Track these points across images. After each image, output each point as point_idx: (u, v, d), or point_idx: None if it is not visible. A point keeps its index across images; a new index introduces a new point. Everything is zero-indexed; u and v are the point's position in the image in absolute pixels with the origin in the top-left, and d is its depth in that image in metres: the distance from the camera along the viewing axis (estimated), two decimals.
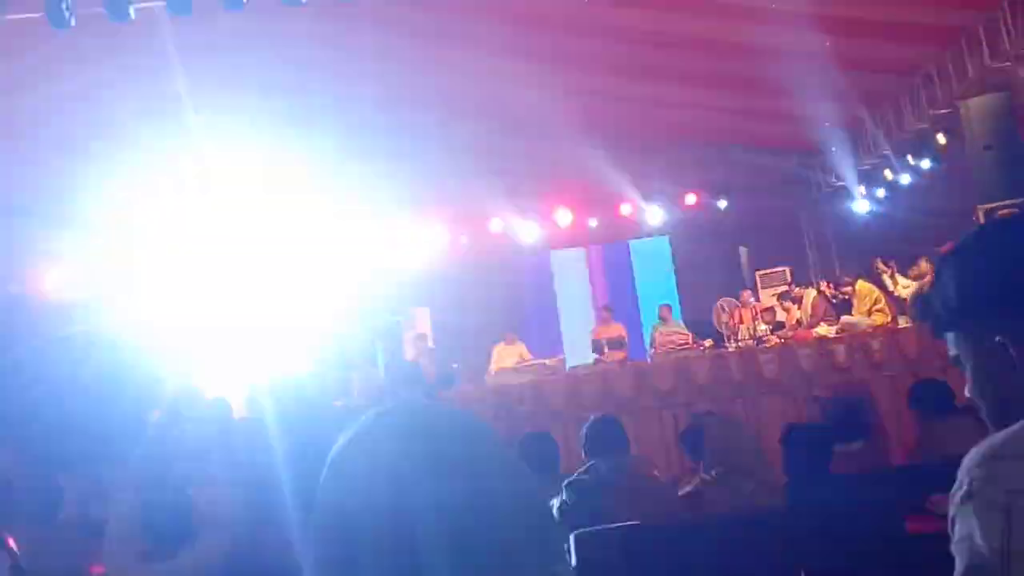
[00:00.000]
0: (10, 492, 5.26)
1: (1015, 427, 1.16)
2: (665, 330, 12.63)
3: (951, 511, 1.17)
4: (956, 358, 1.30)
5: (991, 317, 1.23)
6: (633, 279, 17.53)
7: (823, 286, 13.40)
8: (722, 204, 14.73)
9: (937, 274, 1.33)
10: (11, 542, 1.64)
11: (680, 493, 4.70)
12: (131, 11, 8.21)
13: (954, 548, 1.16)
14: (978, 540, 1.12)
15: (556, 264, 17.42)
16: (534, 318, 17.16)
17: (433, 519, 0.98)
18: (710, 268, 15.01)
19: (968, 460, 1.17)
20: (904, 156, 12.48)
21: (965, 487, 1.15)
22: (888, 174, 13.17)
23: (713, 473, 4.27)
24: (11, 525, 4.62)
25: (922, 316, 1.37)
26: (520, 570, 1.00)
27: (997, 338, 1.22)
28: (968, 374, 1.29)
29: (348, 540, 1.00)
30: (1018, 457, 1.12)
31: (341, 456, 1.07)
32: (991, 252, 1.28)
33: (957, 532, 1.15)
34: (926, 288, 1.35)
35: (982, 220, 9.81)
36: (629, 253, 17.57)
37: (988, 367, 1.25)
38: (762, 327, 12.43)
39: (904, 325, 10.97)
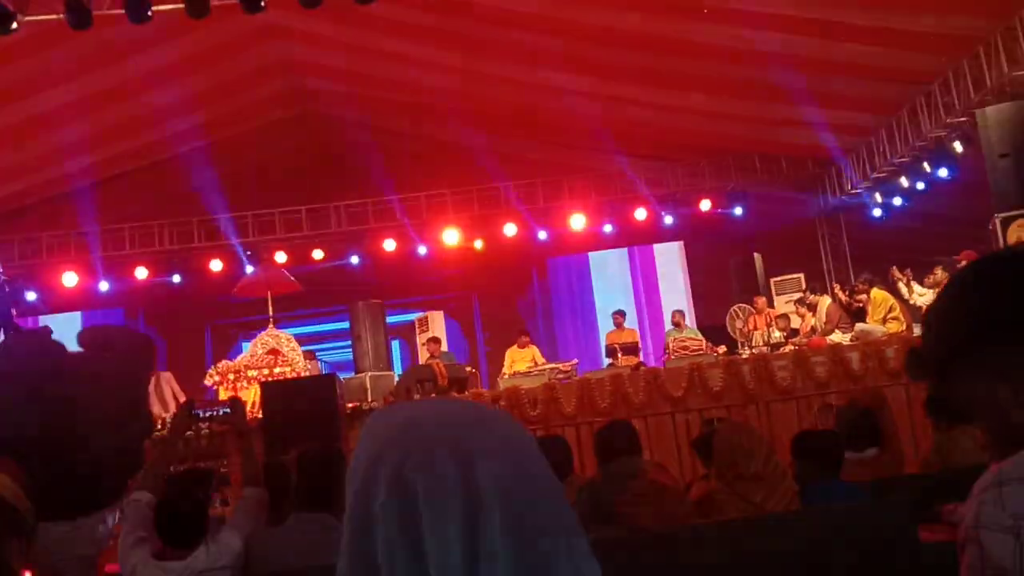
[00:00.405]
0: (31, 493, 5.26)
1: (1020, 454, 1.18)
2: (679, 336, 12.61)
3: (961, 536, 1.19)
4: (962, 407, 1.30)
5: (986, 354, 1.24)
6: (657, 284, 17.52)
7: (838, 291, 13.35)
8: (737, 210, 14.70)
9: (928, 323, 1.34)
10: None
11: (691, 497, 4.69)
12: None
13: (965, 574, 1.18)
14: (989, 564, 1.14)
15: (555, 269, 17.41)
16: (546, 322, 17.17)
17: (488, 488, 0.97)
18: (725, 274, 14.98)
19: (977, 486, 1.19)
20: (920, 164, 12.43)
21: (974, 512, 1.17)
22: (904, 182, 13.13)
23: (724, 479, 4.26)
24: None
25: (916, 372, 1.39)
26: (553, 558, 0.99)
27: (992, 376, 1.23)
28: (977, 418, 1.30)
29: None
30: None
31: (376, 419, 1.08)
32: (985, 281, 1.29)
33: (968, 558, 1.17)
34: (918, 344, 1.36)
35: (999, 228, 9.78)
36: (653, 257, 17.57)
37: (991, 405, 1.25)
38: (776, 334, 12.39)
39: (919, 333, 10.90)
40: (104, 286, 14.78)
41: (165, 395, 12.95)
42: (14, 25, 8.82)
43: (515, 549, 0.96)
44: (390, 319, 14.16)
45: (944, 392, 1.29)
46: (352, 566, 1.01)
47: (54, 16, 9.04)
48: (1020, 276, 1.26)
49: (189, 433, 9.96)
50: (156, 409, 12.49)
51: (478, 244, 15.24)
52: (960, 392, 1.29)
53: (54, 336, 1.80)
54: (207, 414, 4.91)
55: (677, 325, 13.21)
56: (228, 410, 4.70)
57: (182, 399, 13.00)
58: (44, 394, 1.71)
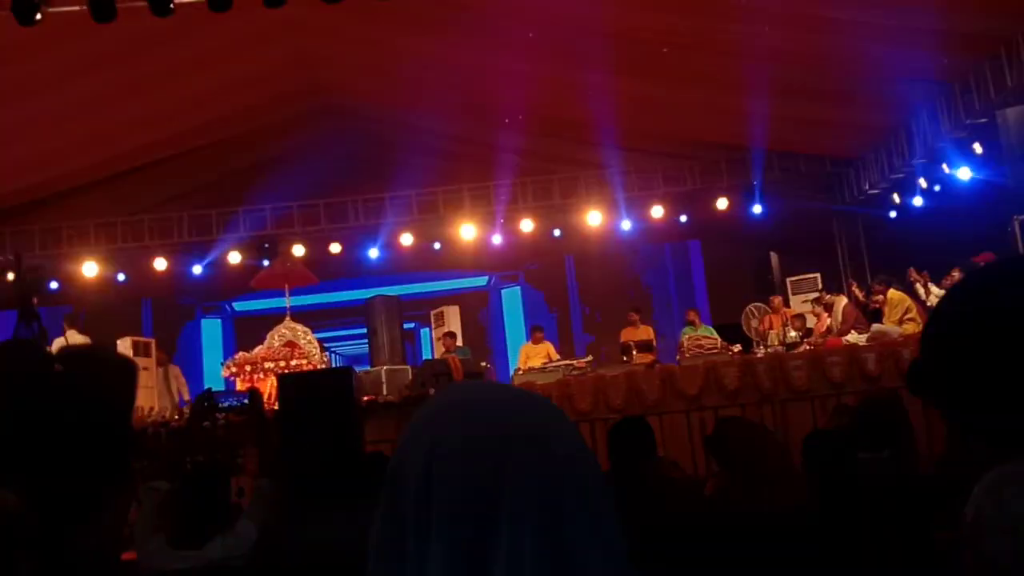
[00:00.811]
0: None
1: (1019, 459, 1.21)
2: (694, 334, 12.61)
3: (962, 536, 1.22)
4: (963, 417, 1.33)
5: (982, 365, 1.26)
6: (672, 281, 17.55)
7: (855, 289, 13.32)
8: (755, 209, 14.67)
9: (924, 337, 1.36)
10: None
11: (705, 495, 4.72)
12: None
13: (967, 574, 1.20)
14: (990, 566, 1.16)
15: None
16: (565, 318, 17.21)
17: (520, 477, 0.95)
18: (741, 273, 14.96)
19: (978, 487, 1.22)
20: (940, 164, 12.38)
21: (974, 515, 1.20)
22: (923, 182, 13.07)
23: (737, 477, 4.28)
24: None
25: (916, 387, 1.41)
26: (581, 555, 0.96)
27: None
28: (976, 429, 1.32)
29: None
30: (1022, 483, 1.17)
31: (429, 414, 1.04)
32: (983, 295, 1.31)
33: (969, 559, 1.20)
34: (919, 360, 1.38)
35: (1018, 230, 9.73)
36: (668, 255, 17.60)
37: (991, 410, 1.27)
38: (792, 333, 12.37)
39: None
40: (122, 277, 14.90)
41: (172, 388, 13.06)
42: (38, 16, 8.88)
43: (543, 553, 0.92)
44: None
45: (944, 405, 1.31)
46: (383, 541, 1.00)
47: (77, 8, 9.10)
48: (1015, 287, 1.28)
49: (206, 423, 10.07)
50: (164, 401, 12.60)
51: (496, 239, 15.26)
52: (957, 406, 1.31)
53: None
54: (225, 404, 4.96)
55: (692, 323, 13.22)
56: (247, 401, 4.75)
57: (186, 392, 13.12)
58: (26, 407, 1.74)
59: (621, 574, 0.98)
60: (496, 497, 0.94)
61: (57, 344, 12.18)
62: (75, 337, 12.20)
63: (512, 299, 18.28)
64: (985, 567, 1.17)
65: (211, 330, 17.99)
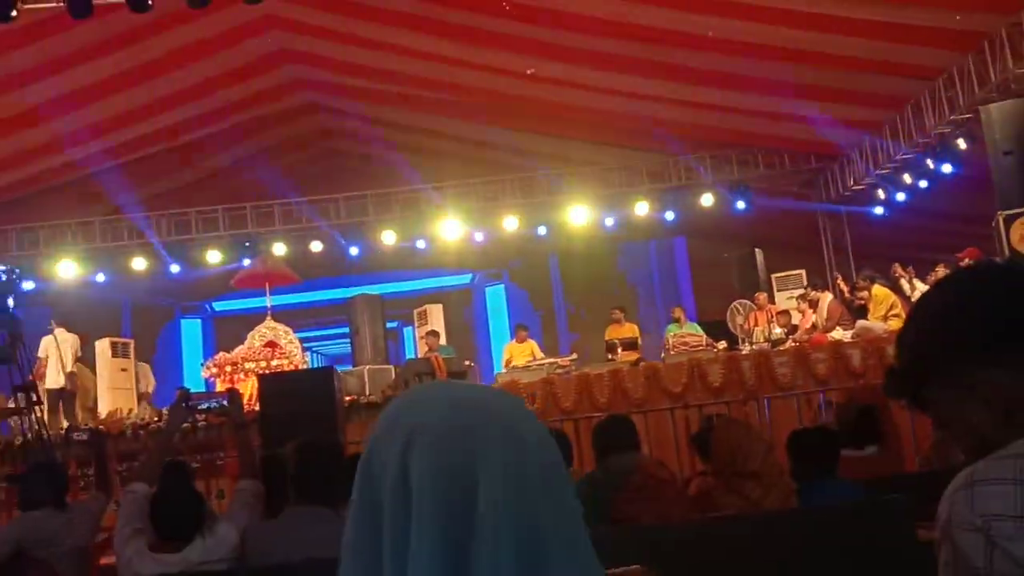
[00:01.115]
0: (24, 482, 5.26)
1: (995, 454, 1.22)
2: (679, 332, 12.59)
3: (937, 535, 1.24)
4: (938, 420, 1.35)
5: (960, 361, 1.28)
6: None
7: (841, 284, 13.32)
8: (739, 205, 14.66)
9: (899, 342, 1.40)
10: None
11: (689, 493, 4.67)
12: None
13: (941, 572, 1.22)
14: (962, 564, 1.18)
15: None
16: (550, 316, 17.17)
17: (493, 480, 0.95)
18: (726, 270, 14.94)
19: (951, 486, 1.23)
20: (924, 160, 12.39)
21: (947, 512, 1.22)
22: (907, 178, 13.08)
23: (721, 475, 4.23)
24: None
25: (893, 390, 1.40)
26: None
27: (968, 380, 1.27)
28: (952, 431, 1.34)
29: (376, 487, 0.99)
30: (996, 482, 1.18)
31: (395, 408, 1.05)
32: (958, 298, 1.34)
33: (943, 556, 1.22)
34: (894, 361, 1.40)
35: (1002, 226, 9.73)
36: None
37: (962, 421, 1.30)
38: (777, 330, 12.36)
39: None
40: (101, 277, 14.76)
41: (140, 386, 12.94)
42: (14, 13, 8.77)
43: (520, 537, 0.94)
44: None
45: (920, 408, 1.34)
46: (356, 543, 0.99)
47: (54, 4, 9.00)
48: (988, 293, 1.30)
49: (186, 425, 9.96)
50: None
51: (478, 237, 15.18)
52: (934, 408, 1.33)
53: None
54: (204, 406, 4.87)
55: (677, 321, 13.19)
56: (225, 402, 4.67)
57: (151, 388, 13.00)
58: None
59: (588, 558, 1.02)
60: (474, 483, 0.95)
61: (45, 342, 12.11)
62: (63, 334, 12.14)
63: (496, 297, 18.21)
64: (958, 564, 1.19)
65: (191, 330, 17.85)
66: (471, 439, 0.97)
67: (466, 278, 18.17)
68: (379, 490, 0.98)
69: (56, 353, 11.85)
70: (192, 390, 5.62)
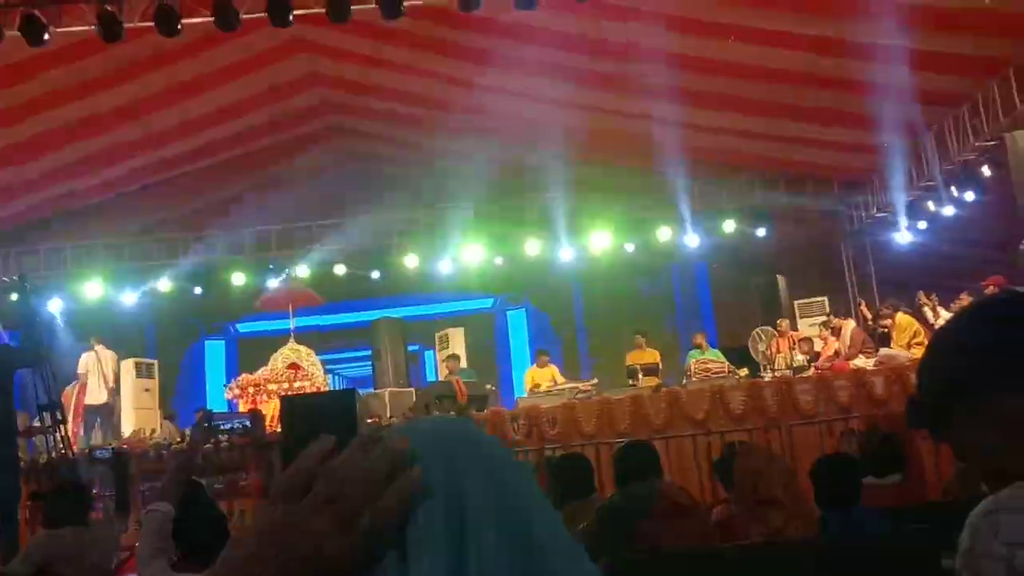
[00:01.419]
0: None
1: (1018, 483, 1.22)
2: (701, 358, 12.54)
3: (957, 563, 1.23)
4: (958, 448, 1.34)
5: (978, 390, 1.27)
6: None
7: (864, 309, 13.25)
8: (761, 231, 14.62)
9: (920, 371, 1.38)
10: None
11: (712, 520, 4.65)
12: None
13: None
14: None
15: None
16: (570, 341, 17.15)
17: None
18: (748, 296, 14.89)
19: (973, 514, 1.23)
20: (948, 187, 12.33)
21: (969, 540, 1.21)
22: (932, 205, 13.02)
23: (743, 503, 4.21)
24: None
25: (914, 421, 1.40)
26: None
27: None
28: (969, 460, 1.34)
29: None
30: (1018, 511, 1.18)
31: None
32: (979, 327, 1.33)
33: None
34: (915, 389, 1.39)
35: None
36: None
37: (983, 450, 1.29)
38: (799, 357, 12.30)
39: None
40: (128, 297, 14.89)
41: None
42: (46, 37, 8.92)
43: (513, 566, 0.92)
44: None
45: (941, 439, 1.33)
46: None
47: (85, 28, 9.14)
48: (1007, 323, 1.29)
49: (208, 446, 10.02)
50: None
51: (499, 260, 15.20)
52: (955, 438, 1.32)
53: None
54: (226, 426, 4.90)
55: (699, 347, 13.14)
56: (247, 423, 4.70)
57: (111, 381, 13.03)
58: None
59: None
60: (463, 496, 0.95)
61: (86, 359, 12.30)
62: (104, 351, 12.34)
63: (517, 321, 18.22)
64: None
65: (214, 351, 17.94)
66: (456, 454, 0.97)
67: (488, 302, 18.19)
68: None
69: (98, 369, 12.09)
70: (214, 411, 5.67)
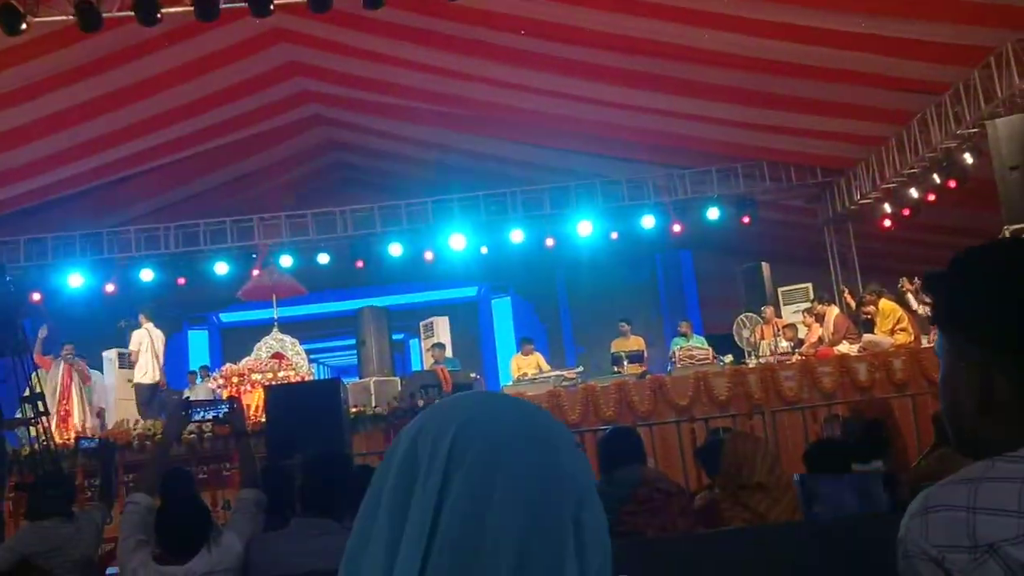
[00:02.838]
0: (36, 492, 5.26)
1: (948, 479, 1.18)
2: (685, 345, 12.58)
3: (899, 564, 1.19)
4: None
5: (972, 330, 1.23)
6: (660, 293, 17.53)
7: (847, 298, 13.30)
8: (745, 219, 14.64)
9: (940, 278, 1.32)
10: None
11: (695, 506, 4.67)
12: None
13: None
14: None
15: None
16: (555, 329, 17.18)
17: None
18: (732, 283, 14.92)
19: (907, 514, 1.19)
20: (930, 174, 12.38)
21: (904, 543, 1.17)
22: (914, 192, 13.07)
23: (727, 488, 4.23)
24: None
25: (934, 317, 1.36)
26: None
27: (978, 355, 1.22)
28: (942, 395, 1.30)
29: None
30: (947, 509, 1.14)
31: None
32: (987, 268, 1.26)
33: None
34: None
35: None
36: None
37: (959, 381, 1.25)
38: (783, 344, 12.35)
39: (927, 345, 10.87)
40: (110, 288, 14.79)
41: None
42: (23, 26, 8.84)
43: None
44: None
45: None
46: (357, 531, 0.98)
47: (63, 17, 9.06)
48: (988, 267, 1.25)
49: (192, 435, 9.98)
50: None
51: (484, 250, 15.15)
52: (948, 356, 1.28)
53: None
54: (203, 415, 4.83)
55: (684, 335, 13.17)
56: (226, 410, 4.65)
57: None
58: None
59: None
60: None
61: (138, 335, 12.29)
62: (155, 331, 12.57)
63: (502, 310, 18.23)
64: None
65: (198, 341, 17.88)
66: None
67: (472, 291, 18.19)
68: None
69: (150, 347, 12.07)
70: (191, 399, 5.63)
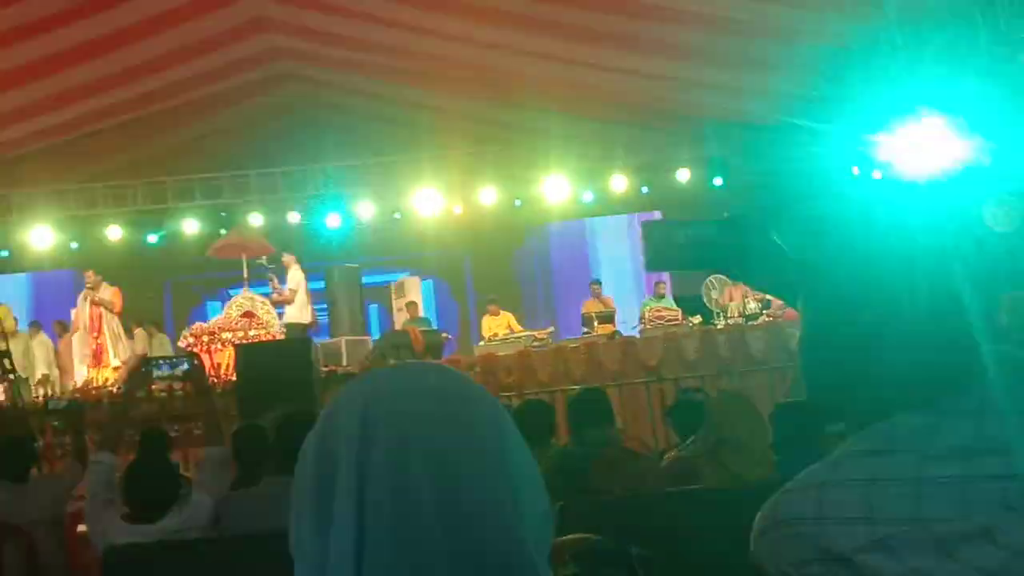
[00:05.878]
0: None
1: (794, 484, 1.14)
2: (655, 305, 12.64)
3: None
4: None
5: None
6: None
7: None
8: (717, 181, 14.64)
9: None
10: None
11: (663, 465, 4.72)
12: None
13: None
14: None
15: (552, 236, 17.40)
16: (529, 290, 17.19)
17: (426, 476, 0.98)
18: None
19: (756, 529, 1.14)
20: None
21: (755, 550, 1.13)
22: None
23: (706, 443, 4.27)
24: None
25: None
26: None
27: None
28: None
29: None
30: (796, 522, 1.10)
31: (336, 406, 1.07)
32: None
33: None
34: None
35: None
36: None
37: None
38: (752, 305, 12.43)
39: None
40: (75, 244, 14.59)
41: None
42: None
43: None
44: (368, 279, 14.12)
45: None
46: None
47: None
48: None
49: (162, 394, 9.91)
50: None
51: (457, 209, 15.05)
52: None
53: None
54: (163, 371, 4.79)
55: (662, 296, 13.17)
56: (186, 366, 4.61)
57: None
58: None
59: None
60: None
61: (297, 277, 12.60)
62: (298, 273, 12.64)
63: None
64: None
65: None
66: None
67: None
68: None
69: (305, 288, 12.37)
70: (150, 356, 5.60)
